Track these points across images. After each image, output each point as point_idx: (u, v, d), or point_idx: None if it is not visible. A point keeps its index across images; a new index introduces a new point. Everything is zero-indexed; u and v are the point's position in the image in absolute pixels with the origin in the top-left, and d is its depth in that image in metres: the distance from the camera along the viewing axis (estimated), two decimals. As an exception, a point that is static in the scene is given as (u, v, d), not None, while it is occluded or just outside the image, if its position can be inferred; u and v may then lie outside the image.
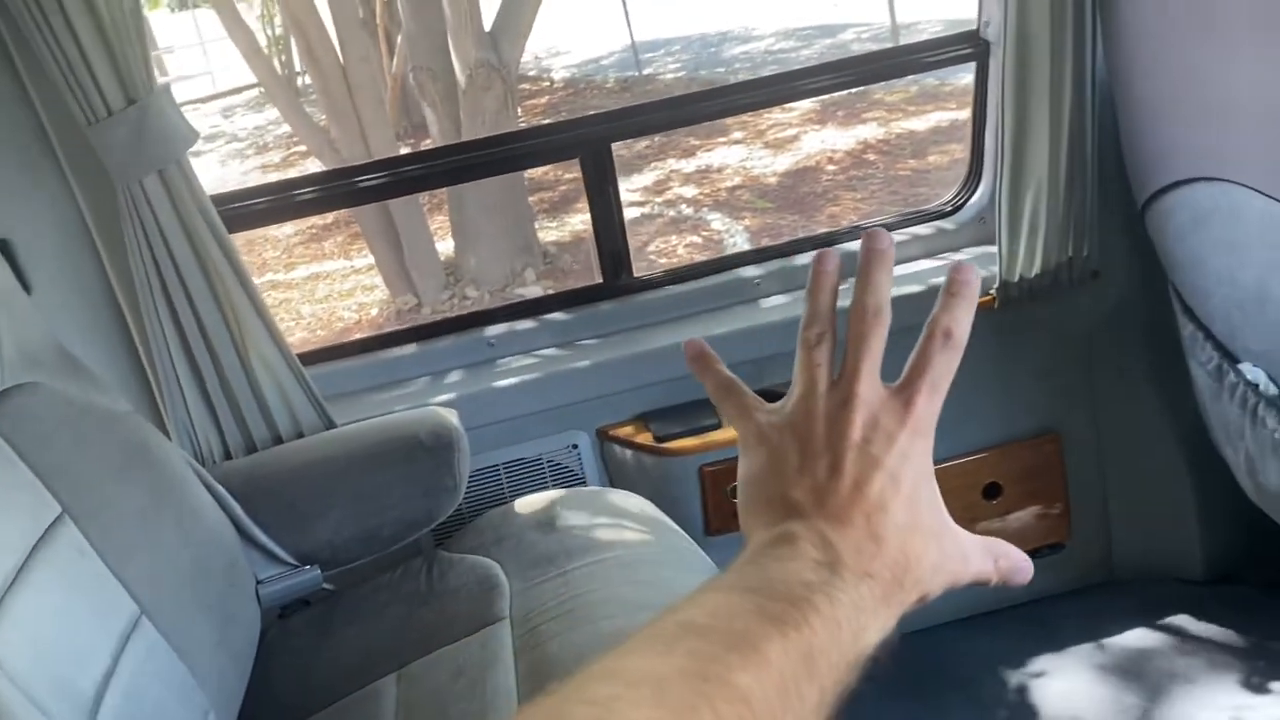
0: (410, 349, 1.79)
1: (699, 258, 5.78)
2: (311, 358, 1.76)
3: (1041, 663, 1.82)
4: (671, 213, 6.62)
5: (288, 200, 1.72)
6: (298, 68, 9.29)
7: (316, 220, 7.13)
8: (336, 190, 1.73)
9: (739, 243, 5.97)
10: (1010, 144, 1.66)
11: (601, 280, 1.85)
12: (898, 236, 1.89)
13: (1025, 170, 1.66)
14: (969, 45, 1.79)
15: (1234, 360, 1.60)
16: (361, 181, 1.71)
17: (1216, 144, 1.44)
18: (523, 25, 5.20)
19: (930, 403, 0.48)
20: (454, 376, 1.76)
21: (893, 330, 1.66)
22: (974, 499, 1.90)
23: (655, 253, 6.12)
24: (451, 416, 1.54)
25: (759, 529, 0.48)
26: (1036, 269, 1.73)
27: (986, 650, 1.88)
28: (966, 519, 1.89)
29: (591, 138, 1.74)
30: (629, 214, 6.66)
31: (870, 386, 0.48)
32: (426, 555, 1.57)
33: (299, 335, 5.86)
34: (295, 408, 1.61)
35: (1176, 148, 1.53)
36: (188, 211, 1.46)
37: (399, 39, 6.71)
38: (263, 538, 1.48)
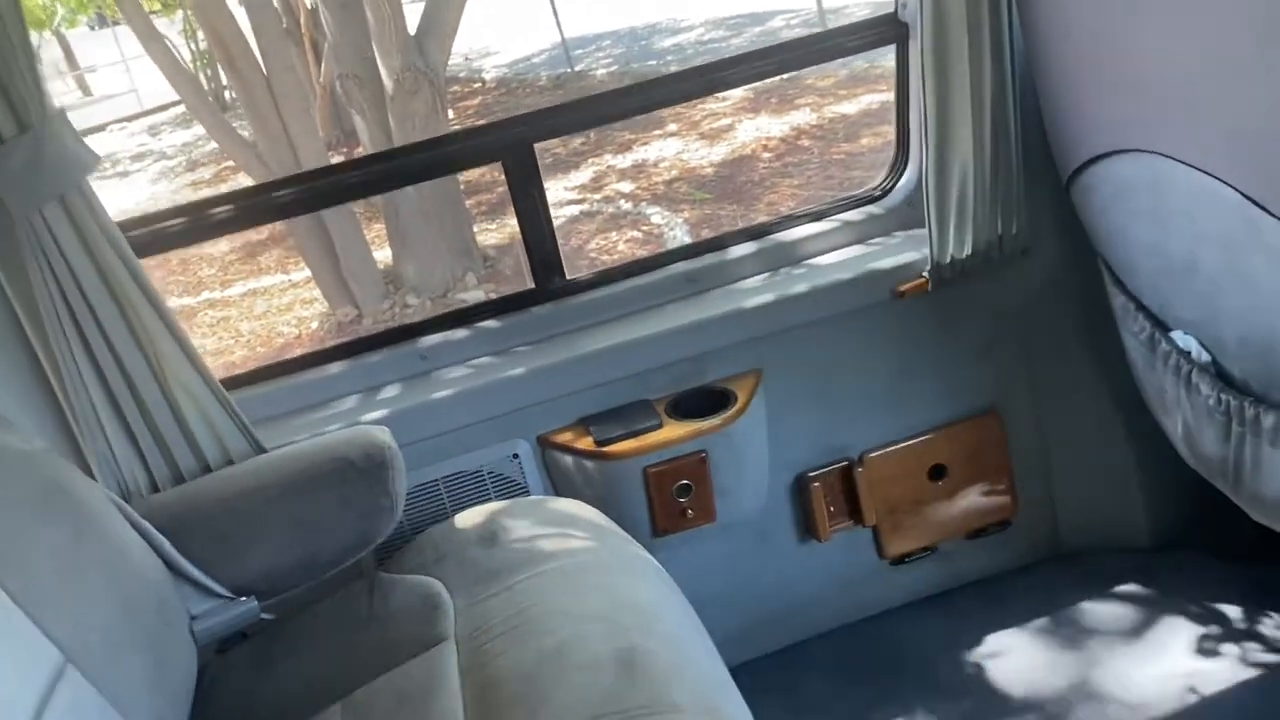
0: (341, 366, 1.75)
1: (640, 253, 5.76)
2: (239, 381, 1.71)
3: (995, 640, 1.82)
4: (610, 209, 6.60)
5: (205, 220, 1.67)
6: (225, 81, 9.12)
7: (252, 235, 7.02)
8: (253, 207, 1.67)
9: (679, 235, 5.97)
10: (934, 125, 1.65)
11: (534, 285, 1.81)
12: (828, 224, 1.88)
13: (950, 151, 1.66)
14: (888, 28, 1.79)
15: (1165, 329, 1.61)
16: (278, 197, 1.66)
17: (1136, 116, 1.44)
18: (447, 27, 5.15)
19: None
20: (388, 392, 1.72)
21: (823, 318, 1.64)
22: (920, 481, 1.90)
23: (596, 250, 6.10)
24: (384, 434, 1.50)
25: None
26: (967, 249, 1.73)
27: (940, 631, 1.88)
28: (913, 501, 1.90)
29: (513, 140, 1.70)
30: (567, 212, 6.67)
31: None
32: (368, 578, 1.53)
33: (239, 353, 5.75)
34: (222, 435, 1.56)
35: (1097, 122, 1.54)
36: (93, 238, 1.40)
37: (325, 47, 6.61)
38: (194, 572, 1.43)
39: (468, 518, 1.56)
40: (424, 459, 1.68)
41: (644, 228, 6.27)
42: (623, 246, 6.06)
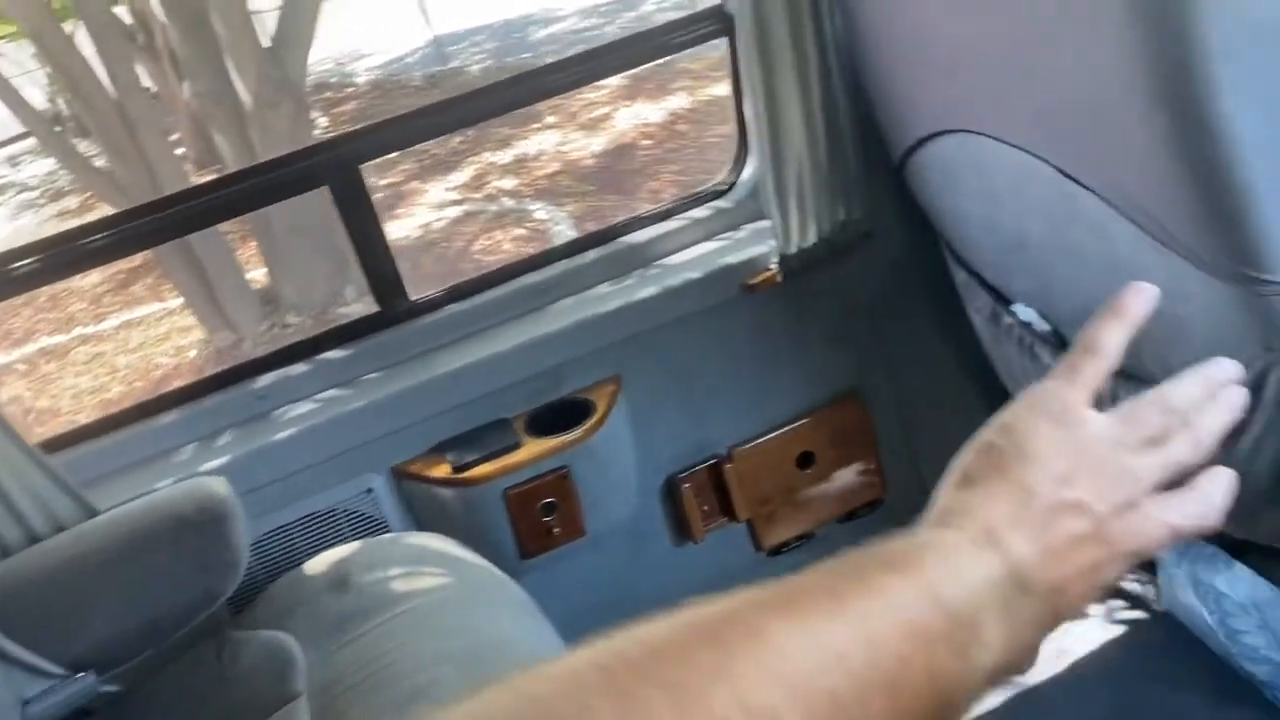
0: (175, 415, 1.66)
1: (527, 250, 5.69)
2: (64, 441, 1.61)
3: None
4: (494, 207, 6.50)
5: (63, 257, 1.55)
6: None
7: (123, 263, 6.74)
8: (59, 258, 1.56)
9: (565, 230, 5.91)
10: (766, 116, 1.63)
11: (377, 309, 1.75)
12: (676, 223, 1.86)
13: (784, 141, 1.64)
14: (716, 21, 1.76)
15: (1007, 302, 1.63)
16: (88, 243, 1.57)
17: (955, 98, 1.45)
18: (303, 35, 4.99)
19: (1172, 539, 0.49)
20: (226, 437, 1.64)
21: (677, 318, 1.59)
22: (790, 470, 1.89)
23: (481, 251, 6.00)
24: (219, 485, 1.43)
25: (973, 490, 0.47)
26: (812, 238, 1.72)
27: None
28: (784, 491, 1.90)
29: (336, 162, 1.63)
30: (450, 214, 6.55)
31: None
32: (217, 638, 1.46)
33: (116, 389, 5.52)
34: (48, 501, 1.46)
35: (921, 105, 1.54)
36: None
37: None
38: (22, 653, 1.33)
39: (318, 563, 1.50)
40: (272, 504, 1.61)
41: (528, 224, 6.19)
42: (508, 245, 5.97)
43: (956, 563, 0.43)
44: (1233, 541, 1.54)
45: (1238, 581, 1.51)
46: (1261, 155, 1.04)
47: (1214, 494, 0.49)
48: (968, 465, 0.49)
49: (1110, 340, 0.51)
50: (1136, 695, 1.60)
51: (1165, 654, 1.63)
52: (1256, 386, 1.21)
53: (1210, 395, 0.51)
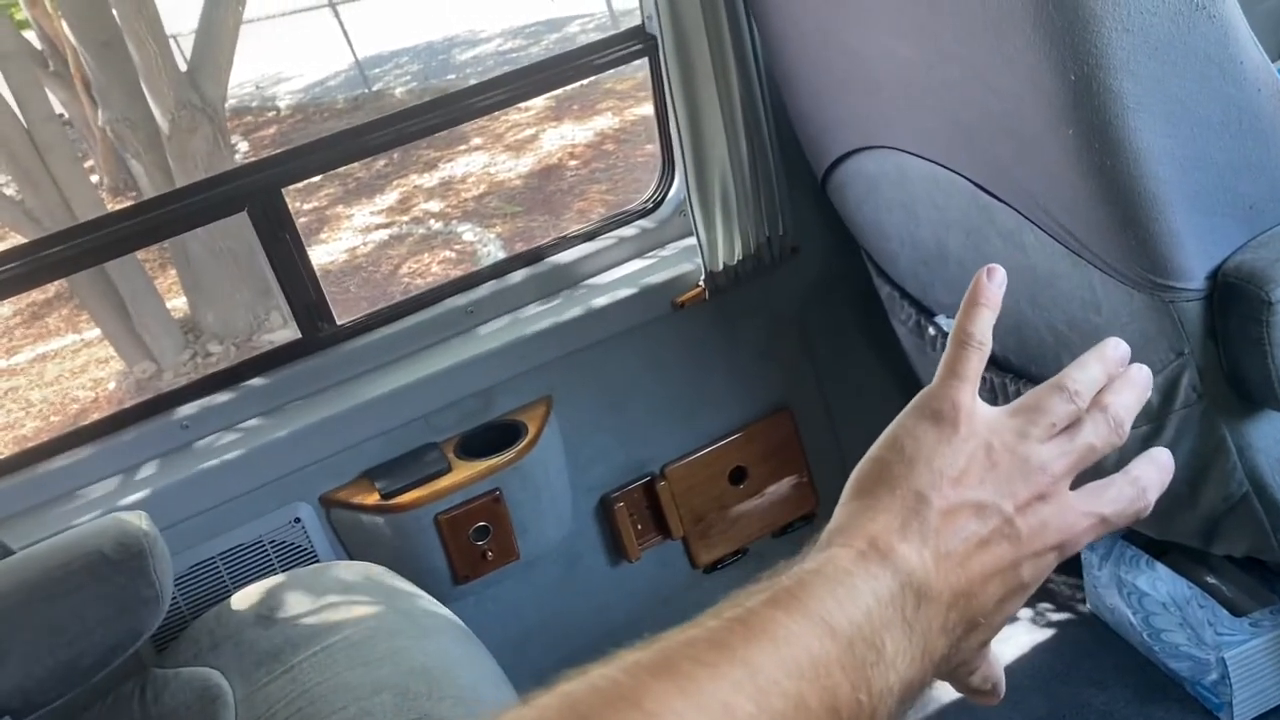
0: (93, 449, 1.61)
1: (456, 272, 5.65)
2: (-28, 479, 1.56)
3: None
4: (421, 230, 6.44)
5: None
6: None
7: (35, 295, 6.53)
8: None
9: (493, 251, 5.88)
10: (688, 136, 1.65)
11: (300, 335, 1.72)
12: (603, 242, 1.86)
13: (707, 159, 1.66)
14: (637, 41, 1.77)
15: (930, 314, 1.66)
16: (-2, 274, 1.52)
17: (872, 113, 1.47)
18: (221, 60, 4.91)
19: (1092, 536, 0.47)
20: (147, 470, 1.60)
21: (607, 337, 1.59)
22: (722, 487, 1.90)
23: (409, 274, 5.94)
24: (139, 519, 1.38)
25: (862, 503, 0.46)
26: (738, 254, 1.73)
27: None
28: (717, 507, 1.90)
29: (257, 186, 1.61)
30: (376, 237, 6.48)
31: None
32: (141, 676, 1.41)
33: (30, 425, 5.34)
34: (-43, 542, 1.41)
35: (840, 121, 1.56)
36: None
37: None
38: (-68, 702, 1.28)
39: (245, 597, 1.47)
40: (196, 537, 1.57)
41: (456, 246, 6.15)
42: (436, 268, 5.92)
43: (847, 584, 0.41)
44: (1154, 542, 1.58)
45: (1159, 581, 1.55)
46: (1165, 166, 1.07)
47: (1144, 477, 0.47)
48: (858, 481, 0.47)
49: (979, 328, 0.49)
50: (1064, 696, 1.63)
51: (1091, 654, 1.66)
52: (1168, 390, 1.25)
53: (1110, 375, 0.49)
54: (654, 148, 1.91)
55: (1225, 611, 1.47)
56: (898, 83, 1.35)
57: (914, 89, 1.32)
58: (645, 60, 1.77)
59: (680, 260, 1.82)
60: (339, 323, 1.73)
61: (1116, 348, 0.50)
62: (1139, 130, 1.06)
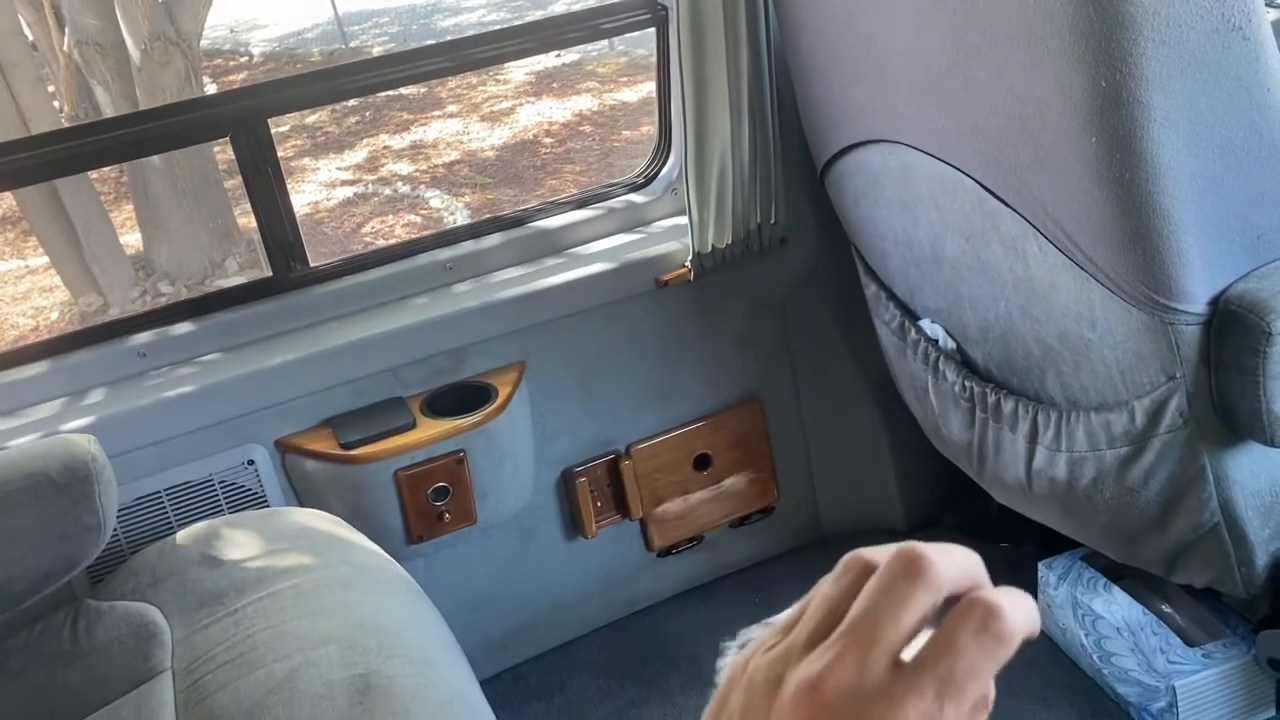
0: (41, 366, 1.54)
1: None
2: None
3: (757, 629, 1.82)
4: (387, 191, 6.34)
5: None
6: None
7: (-20, 217, 6.33)
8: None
9: (460, 219, 5.80)
10: (691, 114, 1.61)
11: (271, 273, 1.66)
12: (591, 212, 1.82)
13: (708, 139, 1.63)
14: (647, 11, 1.74)
15: (915, 318, 1.65)
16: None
17: (884, 107, 1.45)
18: (200, -5, 4.78)
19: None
20: (97, 395, 1.53)
21: (587, 309, 1.54)
22: (686, 472, 1.88)
23: (372, 234, 5.85)
24: (88, 443, 1.32)
25: None
26: (727, 238, 1.71)
27: (705, 622, 1.87)
28: (679, 492, 1.88)
29: (244, 113, 1.54)
30: (341, 194, 6.36)
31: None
32: (74, 607, 1.35)
33: (-36, 348, 5.16)
34: (-112, 449, 1.34)
35: (849, 112, 1.54)
36: None
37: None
38: None
39: (190, 534, 1.41)
40: (143, 468, 1.51)
41: (423, 211, 6.06)
42: (400, 230, 5.83)
43: None
44: (1113, 565, 1.59)
45: (1115, 605, 1.56)
46: (1184, 185, 1.07)
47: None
48: None
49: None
50: (1009, 711, 1.63)
51: (1040, 672, 1.67)
52: (1154, 413, 1.24)
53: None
54: (633, 134, 1.88)
55: (1179, 640, 1.47)
56: (917, 78, 1.33)
57: (933, 85, 1.30)
58: (631, 49, 1.74)
59: (666, 238, 1.79)
60: (312, 264, 1.68)
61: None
62: (1163, 145, 1.05)
